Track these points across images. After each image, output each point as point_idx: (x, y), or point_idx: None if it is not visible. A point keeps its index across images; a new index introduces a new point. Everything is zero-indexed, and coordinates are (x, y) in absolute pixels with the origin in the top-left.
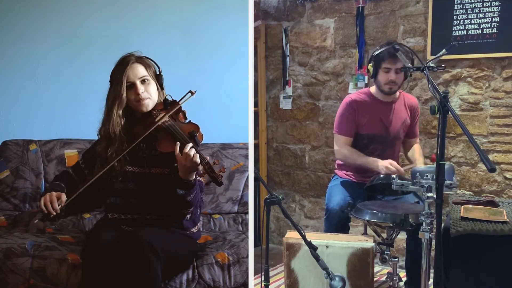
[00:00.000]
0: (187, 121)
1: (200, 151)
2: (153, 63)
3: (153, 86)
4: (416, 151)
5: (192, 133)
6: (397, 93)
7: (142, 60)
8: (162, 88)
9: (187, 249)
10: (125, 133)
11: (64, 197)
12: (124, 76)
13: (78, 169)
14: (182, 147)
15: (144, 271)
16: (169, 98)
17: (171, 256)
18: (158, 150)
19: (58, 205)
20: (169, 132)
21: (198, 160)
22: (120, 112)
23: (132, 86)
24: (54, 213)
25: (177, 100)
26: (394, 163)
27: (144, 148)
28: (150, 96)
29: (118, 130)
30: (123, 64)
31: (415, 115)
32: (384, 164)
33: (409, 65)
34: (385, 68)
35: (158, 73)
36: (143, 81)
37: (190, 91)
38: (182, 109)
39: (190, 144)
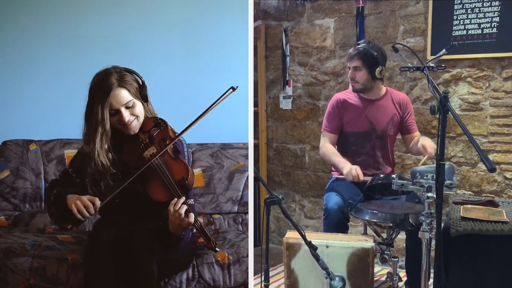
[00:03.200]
0: (175, 156)
1: (200, 150)
2: (135, 77)
3: (139, 106)
4: (416, 139)
5: (182, 181)
6: (383, 90)
7: (123, 81)
8: (146, 100)
9: (186, 248)
10: (114, 159)
11: (98, 201)
12: (106, 105)
13: (67, 177)
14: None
15: (138, 268)
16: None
17: (169, 255)
18: (150, 195)
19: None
20: (159, 176)
21: (191, 220)
22: (106, 146)
23: (116, 113)
24: (88, 217)
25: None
26: (358, 168)
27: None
28: (136, 117)
29: (106, 164)
30: (104, 89)
31: (405, 111)
32: (347, 168)
33: (409, 65)
34: (348, 67)
35: (140, 84)
36: (127, 106)
37: (232, 87)
38: (170, 128)
39: (182, 200)
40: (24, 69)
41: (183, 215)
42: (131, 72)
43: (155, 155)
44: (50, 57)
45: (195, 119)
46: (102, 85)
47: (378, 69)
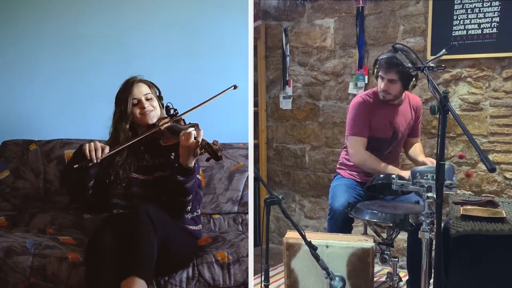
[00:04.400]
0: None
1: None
2: (155, 86)
3: (155, 102)
4: (417, 148)
5: (193, 125)
6: (403, 95)
7: (145, 81)
8: (162, 107)
9: (186, 241)
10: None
11: (107, 149)
12: (130, 95)
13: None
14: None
15: (140, 240)
16: (170, 105)
17: (169, 240)
18: (161, 144)
19: (101, 155)
20: (171, 131)
21: (199, 138)
22: (127, 126)
23: (137, 103)
24: (95, 161)
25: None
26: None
27: (148, 158)
28: (154, 109)
29: (123, 138)
30: (128, 84)
31: (418, 115)
32: (402, 174)
33: (409, 65)
34: (380, 76)
35: (158, 94)
36: (147, 97)
37: (234, 85)
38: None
39: (192, 128)
40: (24, 69)
41: (192, 135)
42: (152, 82)
43: (168, 122)
44: (50, 57)
45: (196, 105)
46: (126, 83)
47: (412, 82)
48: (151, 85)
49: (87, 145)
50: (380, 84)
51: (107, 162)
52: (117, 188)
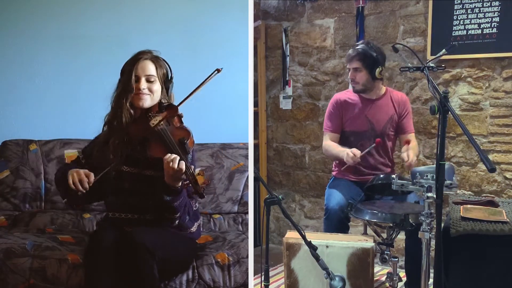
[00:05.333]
0: (181, 125)
1: (200, 150)
2: (167, 66)
3: (157, 85)
4: (407, 145)
5: (182, 140)
6: (382, 90)
7: (156, 59)
8: (167, 93)
9: (186, 249)
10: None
11: (92, 176)
12: (133, 69)
13: (79, 163)
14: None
15: (140, 271)
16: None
17: (170, 256)
18: (148, 154)
19: (88, 184)
20: (160, 137)
21: (183, 167)
22: (129, 104)
23: (137, 80)
24: (83, 191)
25: (176, 104)
26: (354, 150)
27: (139, 150)
28: (150, 94)
29: (125, 121)
30: (135, 58)
31: (403, 110)
32: (345, 155)
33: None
34: (348, 68)
35: (168, 77)
36: (148, 79)
37: (217, 69)
38: (179, 112)
39: (177, 157)
40: (24, 69)
41: (175, 164)
42: (165, 61)
43: (160, 121)
44: (50, 57)
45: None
46: (136, 56)
47: (378, 69)
48: (160, 65)
49: (70, 178)
50: (348, 75)
51: (98, 153)
52: (109, 181)
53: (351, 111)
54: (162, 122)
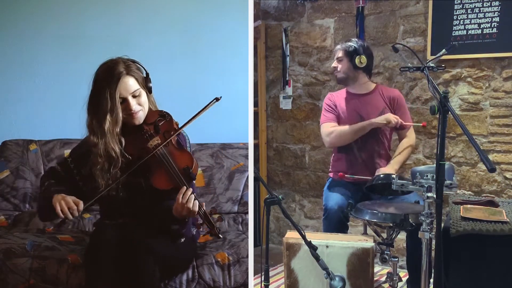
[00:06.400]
0: (179, 147)
1: (200, 150)
2: (140, 67)
3: (144, 96)
4: (402, 143)
5: (187, 170)
6: (371, 85)
7: (131, 70)
8: (150, 92)
9: (186, 248)
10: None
11: (81, 205)
12: (116, 92)
13: (66, 166)
14: (179, 187)
15: (140, 271)
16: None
17: (170, 255)
18: (152, 184)
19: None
20: (163, 166)
21: (196, 209)
22: (118, 130)
23: (123, 101)
24: (72, 218)
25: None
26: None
27: (139, 173)
28: (142, 108)
29: (118, 150)
30: (113, 77)
31: (394, 105)
32: (377, 120)
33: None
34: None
35: (145, 76)
36: (134, 95)
37: (216, 98)
38: (174, 122)
39: (190, 191)
40: (24, 69)
41: (190, 206)
42: (136, 62)
43: (159, 145)
44: (50, 57)
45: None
46: (110, 73)
47: (357, 58)
48: (137, 73)
49: (58, 206)
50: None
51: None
52: (106, 192)
53: (342, 106)
54: (160, 141)
